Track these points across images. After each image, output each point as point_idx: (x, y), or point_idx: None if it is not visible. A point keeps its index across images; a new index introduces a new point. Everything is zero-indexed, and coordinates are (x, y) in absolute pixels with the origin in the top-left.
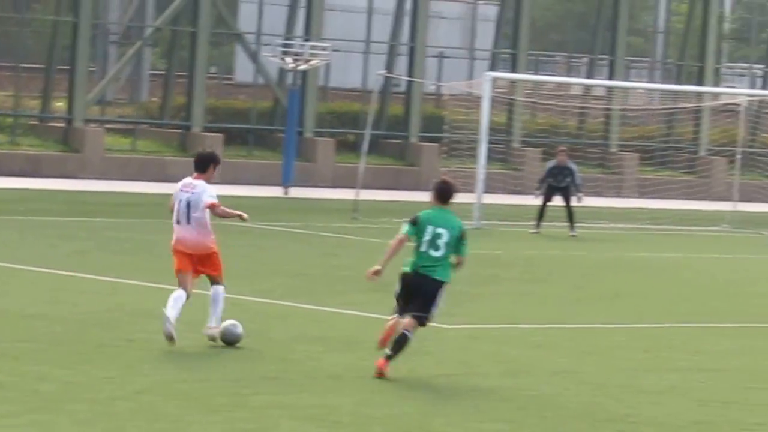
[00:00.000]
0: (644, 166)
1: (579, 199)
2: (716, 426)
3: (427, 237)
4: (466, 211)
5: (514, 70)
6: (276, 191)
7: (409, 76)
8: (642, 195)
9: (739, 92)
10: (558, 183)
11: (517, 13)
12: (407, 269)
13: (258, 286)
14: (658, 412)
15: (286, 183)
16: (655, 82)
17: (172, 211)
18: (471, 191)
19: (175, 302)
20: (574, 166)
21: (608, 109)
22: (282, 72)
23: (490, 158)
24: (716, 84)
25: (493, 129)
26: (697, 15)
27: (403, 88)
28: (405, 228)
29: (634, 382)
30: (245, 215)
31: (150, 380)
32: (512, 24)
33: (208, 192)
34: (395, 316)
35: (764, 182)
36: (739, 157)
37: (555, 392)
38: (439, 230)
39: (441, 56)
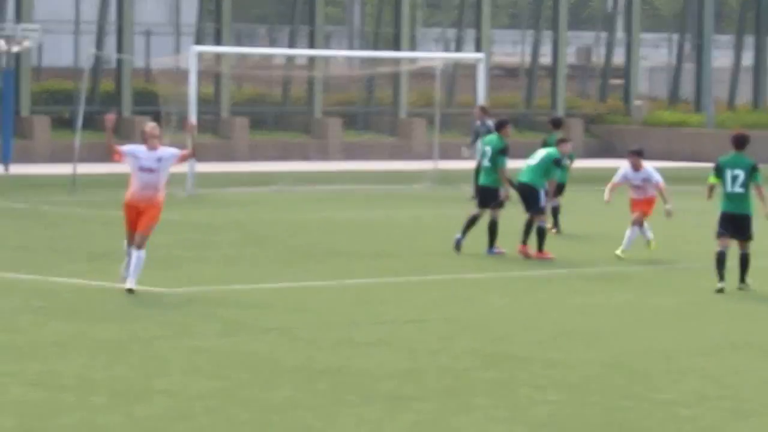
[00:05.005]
0: (348, 129)
1: None
2: (425, 372)
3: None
4: (179, 179)
5: (218, 43)
6: None
7: (119, 54)
8: (347, 158)
9: (434, 56)
10: None
11: None
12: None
13: None
14: (369, 363)
15: (5, 161)
16: (353, 50)
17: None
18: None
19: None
20: None
21: (311, 77)
22: None
23: (202, 128)
24: (412, 49)
25: (203, 100)
26: None
27: (113, 65)
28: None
29: (345, 336)
30: None
31: None
32: None
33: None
34: None
35: (463, 140)
36: (437, 117)
37: (269, 349)
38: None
39: (148, 33)
